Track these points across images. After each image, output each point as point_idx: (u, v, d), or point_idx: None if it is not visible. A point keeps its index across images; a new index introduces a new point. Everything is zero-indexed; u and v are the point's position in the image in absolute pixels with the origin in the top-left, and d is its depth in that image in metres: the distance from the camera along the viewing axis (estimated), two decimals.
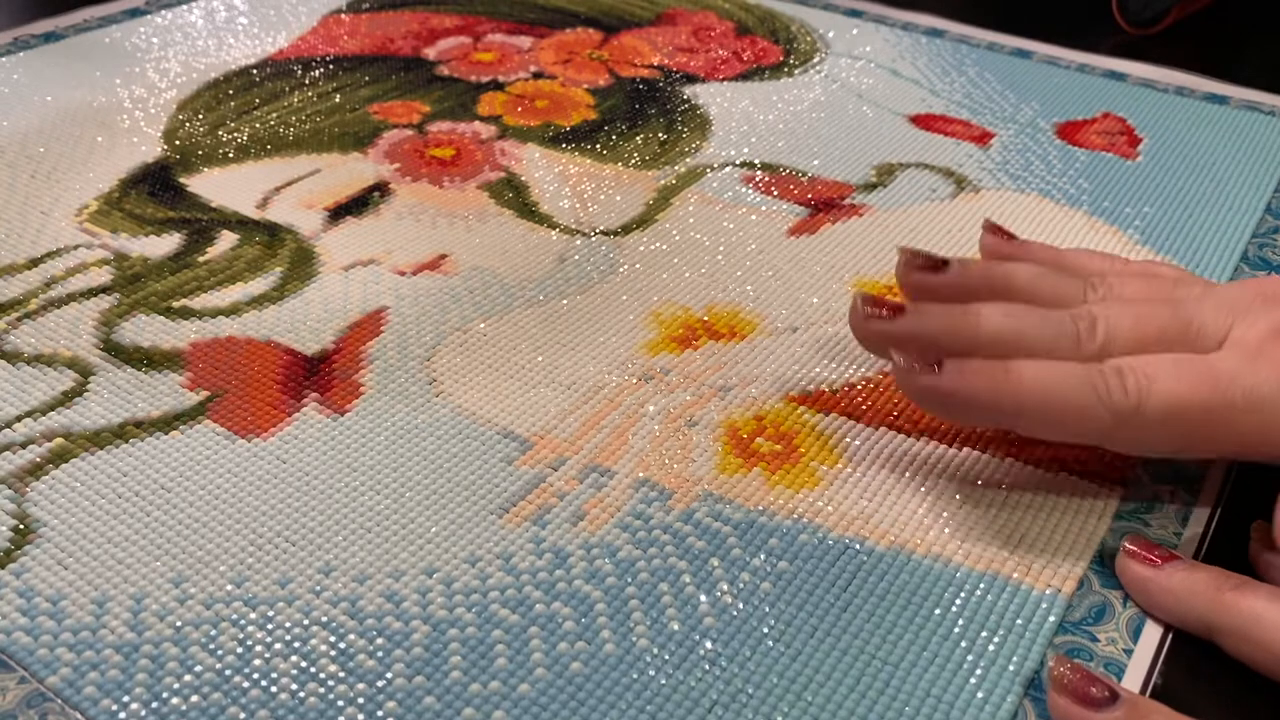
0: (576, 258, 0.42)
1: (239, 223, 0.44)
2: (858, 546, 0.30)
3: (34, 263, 0.41)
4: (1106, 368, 0.29)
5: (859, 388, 0.36)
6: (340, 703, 0.26)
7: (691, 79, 0.57)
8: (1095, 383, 0.29)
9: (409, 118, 0.52)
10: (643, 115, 0.53)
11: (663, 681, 0.26)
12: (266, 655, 0.27)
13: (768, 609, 0.28)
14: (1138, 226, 0.45)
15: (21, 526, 0.30)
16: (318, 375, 0.36)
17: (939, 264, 0.34)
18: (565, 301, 0.40)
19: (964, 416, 0.31)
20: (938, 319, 0.32)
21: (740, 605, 0.28)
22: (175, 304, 0.39)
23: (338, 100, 0.53)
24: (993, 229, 0.37)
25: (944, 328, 0.31)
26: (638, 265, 0.42)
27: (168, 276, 0.40)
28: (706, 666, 0.27)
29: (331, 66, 0.57)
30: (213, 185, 0.46)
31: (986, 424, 0.32)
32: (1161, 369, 0.29)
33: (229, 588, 0.28)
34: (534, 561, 0.29)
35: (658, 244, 0.43)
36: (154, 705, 0.25)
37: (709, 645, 0.27)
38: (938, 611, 0.28)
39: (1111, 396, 0.29)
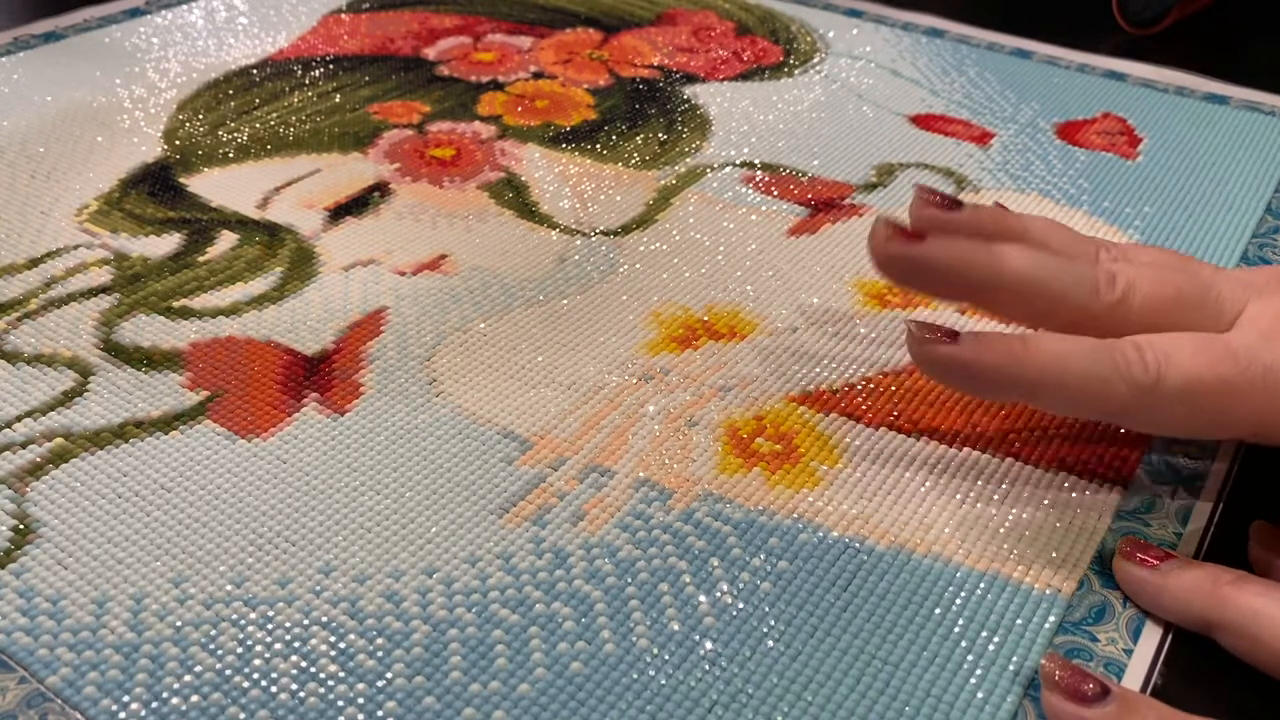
0: (576, 258, 0.42)
1: (239, 223, 0.44)
2: (858, 546, 0.30)
3: (34, 263, 0.41)
4: (1125, 343, 0.29)
5: (859, 388, 0.36)
6: (340, 703, 0.26)
7: (691, 79, 0.57)
8: (1114, 357, 0.29)
9: (409, 118, 0.52)
10: (643, 115, 0.53)
11: (663, 682, 0.26)
12: (266, 655, 0.27)
13: (768, 609, 0.28)
14: (1138, 226, 0.45)
15: (21, 526, 0.30)
16: (318, 375, 0.36)
17: (955, 202, 0.33)
18: (565, 301, 0.40)
19: (980, 389, 0.31)
20: (961, 249, 0.31)
21: (740, 605, 0.28)
22: (175, 304, 0.39)
23: (338, 100, 0.53)
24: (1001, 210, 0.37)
25: (967, 259, 0.31)
26: (638, 265, 0.42)
27: (168, 276, 0.40)
28: (706, 666, 0.27)
29: (331, 66, 0.57)
30: (213, 185, 0.46)
31: (1002, 398, 0.31)
32: (1180, 346, 0.29)
33: (229, 588, 0.28)
34: (534, 561, 0.29)
35: (658, 244, 0.43)
36: (154, 705, 0.25)
37: (709, 645, 0.27)
38: (938, 611, 0.28)
39: (1131, 371, 0.28)
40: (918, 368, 0.31)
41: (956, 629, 0.28)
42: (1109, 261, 0.32)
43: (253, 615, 0.28)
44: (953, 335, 0.30)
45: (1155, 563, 0.28)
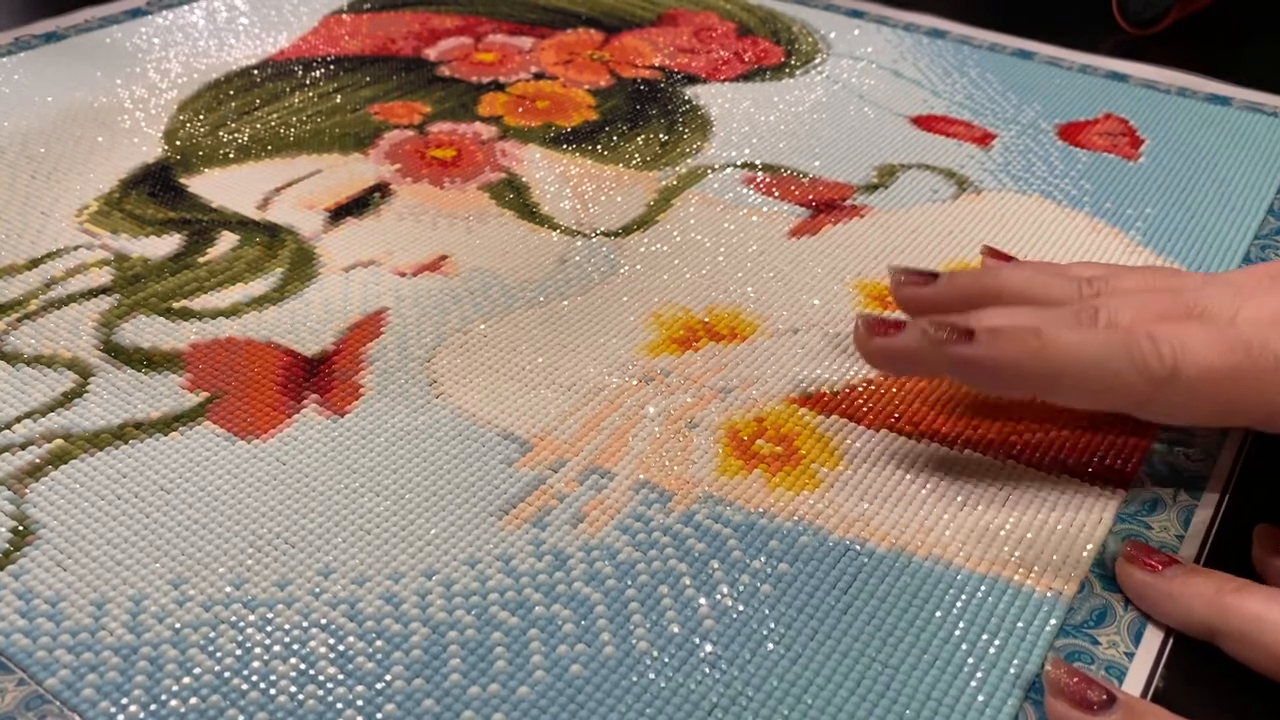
0: (577, 259, 0.42)
1: (239, 223, 0.44)
2: (858, 548, 0.30)
3: (34, 263, 0.41)
4: (1139, 334, 0.29)
5: (860, 389, 0.36)
6: (339, 705, 0.26)
7: (693, 80, 0.57)
8: (1130, 348, 0.29)
9: (410, 118, 0.52)
10: (644, 116, 0.53)
11: (662, 684, 0.26)
12: (265, 657, 0.27)
13: (768, 611, 0.28)
14: (1139, 228, 0.45)
15: (21, 528, 0.30)
16: (318, 376, 0.36)
17: (928, 276, 0.34)
18: (566, 303, 0.39)
19: (997, 386, 0.31)
20: (937, 333, 0.31)
21: (740, 608, 0.28)
22: (175, 305, 0.39)
23: (338, 101, 0.53)
24: (991, 252, 0.38)
25: (941, 337, 0.31)
26: (638, 266, 0.42)
27: (168, 277, 0.40)
28: (706, 669, 0.27)
29: (332, 67, 0.57)
30: (213, 186, 0.46)
31: (1019, 393, 0.32)
32: (1193, 336, 0.29)
33: (228, 589, 0.28)
34: (534, 564, 0.29)
35: (658, 245, 0.43)
36: (152, 707, 0.25)
37: (709, 648, 0.27)
38: (938, 614, 0.28)
39: (1147, 362, 0.29)
40: (933, 365, 0.31)
41: (957, 632, 0.28)
42: (1091, 298, 0.32)
43: (252, 617, 0.28)
44: (968, 333, 0.30)
45: (1159, 567, 0.28)
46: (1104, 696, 0.25)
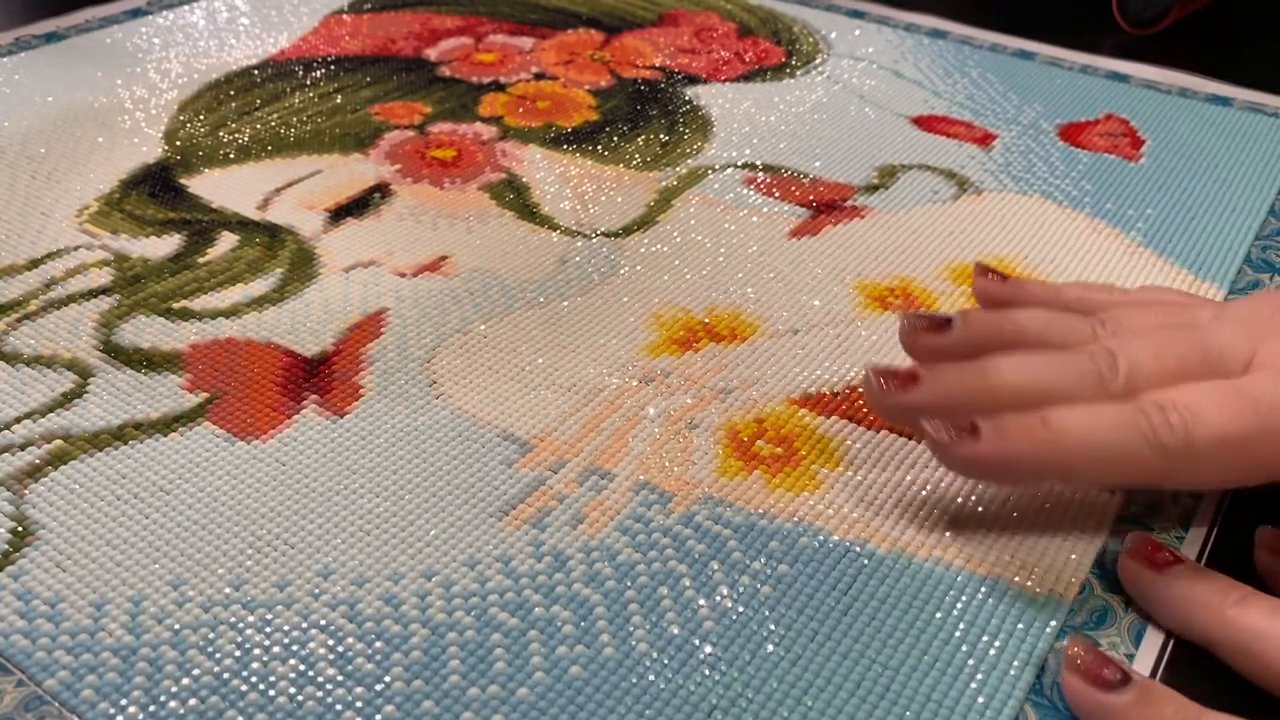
0: (577, 259, 0.42)
1: (239, 224, 0.44)
2: (858, 550, 0.30)
3: (34, 264, 0.41)
4: (1147, 405, 0.28)
5: (860, 390, 0.36)
6: (338, 706, 0.26)
7: (693, 80, 0.57)
8: (1139, 423, 0.28)
9: (410, 119, 0.52)
10: (644, 116, 0.53)
11: (662, 685, 0.26)
12: (265, 658, 0.27)
13: (768, 613, 0.28)
14: (1140, 229, 0.45)
15: (20, 528, 0.30)
16: (317, 377, 0.36)
17: (943, 323, 0.32)
18: (566, 303, 0.39)
19: (1010, 479, 0.29)
20: (954, 379, 0.30)
21: (740, 609, 0.28)
22: (175, 305, 0.39)
23: (339, 101, 0.53)
24: (984, 271, 0.36)
25: (962, 388, 0.30)
26: (639, 267, 0.42)
27: (168, 278, 0.40)
28: (706, 671, 0.27)
29: (333, 67, 0.57)
30: (213, 186, 0.46)
31: (1034, 484, 0.30)
32: (1202, 401, 0.28)
33: (227, 590, 0.28)
34: (533, 565, 0.29)
35: (659, 246, 0.43)
36: (152, 709, 0.25)
37: (709, 649, 0.27)
38: (939, 615, 0.28)
39: (1158, 435, 0.28)
40: (943, 464, 0.29)
41: (957, 633, 0.28)
42: (1106, 338, 0.31)
43: (251, 618, 0.27)
44: (973, 430, 0.28)
45: (1163, 566, 0.28)
46: (1119, 676, 0.25)
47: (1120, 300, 0.34)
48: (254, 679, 0.26)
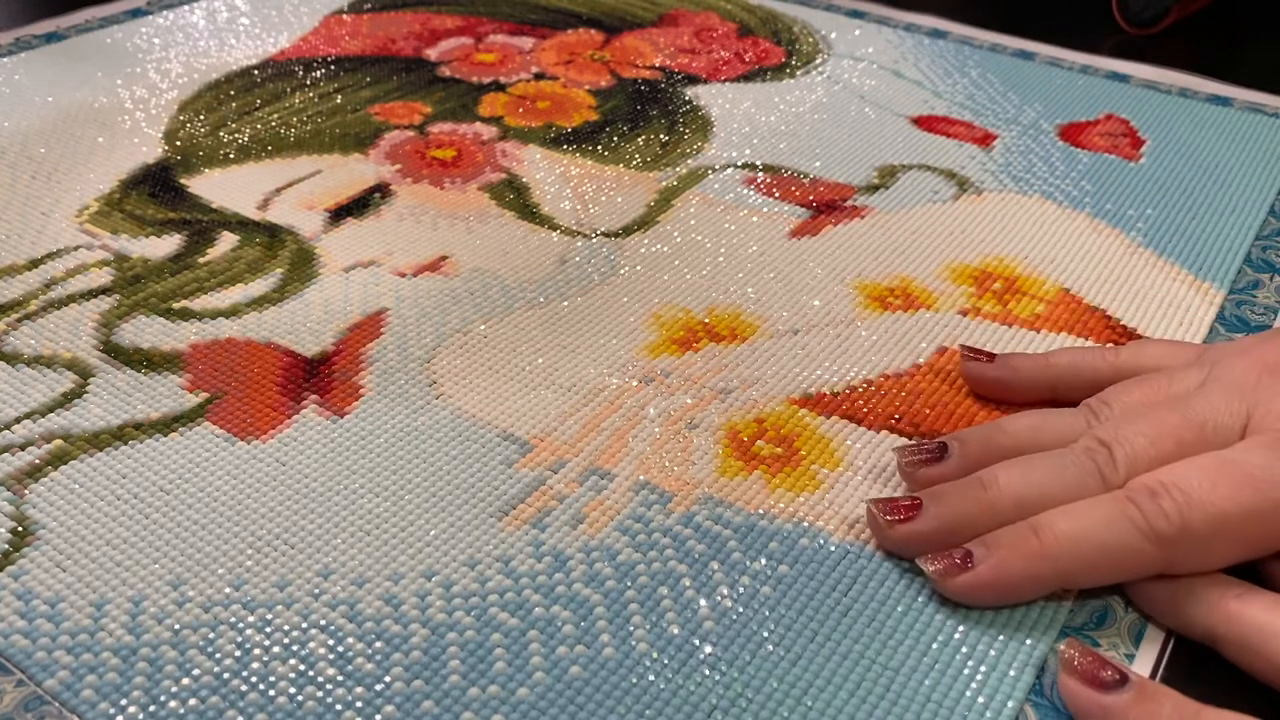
0: (577, 259, 0.42)
1: (239, 224, 0.44)
2: (858, 550, 0.30)
3: (34, 264, 0.41)
4: (1137, 495, 0.27)
5: (860, 390, 0.36)
6: (338, 706, 0.26)
7: (693, 80, 0.57)
8: (1131, 515, 0.27)
9: (410, 119, 0.52)
10: (644, 116, 0.53)
11: (662, 686, 0.26)
12: (265, 658, 0.27)
13: (768, 613, 0.28)
14: (1140, 229, 0.45)
15: (20, 529, 0.30)
16: (317, 377, 0.36)
17: (938, 451, 0.31)
18: (566, 303, 0.39)
19: (1010, 599, 0.28)
20: (956, 501, 0.29)
21: (740, 609, 0.28)
22: (175, 305, 0.39)
23: (339, 101, 0.53)
24: (970, 354, 0.35)
25: (964, 509, 0.29)
26: (639, 267, 0.42)
27: (168, 278, 0.40)
28: (706, 671, 0.27)
29: (333, 67, 0.57)
30: (213, 186, 0.46)
31: (1036, 596, 0.29)
32: (1194, 479, 0.27)
33: (227, 590, 0.28)
34: (533, 565, 0.29)
35: (659, 246, 0.43)
36: (152, 709, 0.25)
37: (709, 649, 0.27)
38: (938, 616, 0.28)
39: (1152, 525, 0.27)
40: (943, 591, 0.29)
41: (957, 634, 0.28)
42: (1099, 429, 0.30)
43: (251, 618, 0.27)
44: (966, 556, 0.28)
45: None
46: (1116, 676, 0.25)
47: (1112, 364, 0.33)
48: (254, 679, 0.26)
